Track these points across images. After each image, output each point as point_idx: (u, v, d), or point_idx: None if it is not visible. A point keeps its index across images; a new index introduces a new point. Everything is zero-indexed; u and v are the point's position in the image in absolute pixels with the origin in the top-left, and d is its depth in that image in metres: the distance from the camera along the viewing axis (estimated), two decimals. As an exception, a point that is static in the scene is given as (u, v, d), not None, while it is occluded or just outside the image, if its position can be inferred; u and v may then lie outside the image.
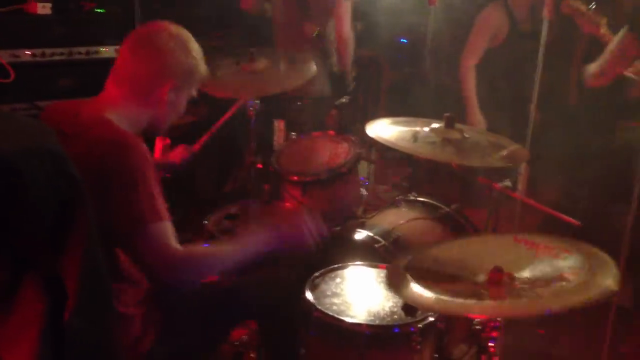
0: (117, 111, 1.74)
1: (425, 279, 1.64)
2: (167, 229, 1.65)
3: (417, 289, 1.61)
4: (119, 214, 1.58)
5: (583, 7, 2.87)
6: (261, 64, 2.90)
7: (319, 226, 1.89)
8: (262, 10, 3.75)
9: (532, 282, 1.57)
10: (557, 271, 1.59)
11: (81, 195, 1.16)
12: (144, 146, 1.67)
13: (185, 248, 1.68)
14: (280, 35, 3.67)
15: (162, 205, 1.65)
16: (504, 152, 2.31)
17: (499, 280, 1.57)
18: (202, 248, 1.85)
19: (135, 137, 1.69)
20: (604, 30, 2.84)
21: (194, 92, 1.89)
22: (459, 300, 1.53)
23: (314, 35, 3.47)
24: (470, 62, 3.72)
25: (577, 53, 3.94)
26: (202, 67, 1.86)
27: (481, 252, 1.78)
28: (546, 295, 1.51)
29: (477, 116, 3.70)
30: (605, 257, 1.61)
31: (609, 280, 1.50)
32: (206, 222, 2.56)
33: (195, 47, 1.83)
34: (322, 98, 3.51)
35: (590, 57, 3.51)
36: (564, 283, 1.53)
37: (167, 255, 1.62)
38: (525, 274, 1.61)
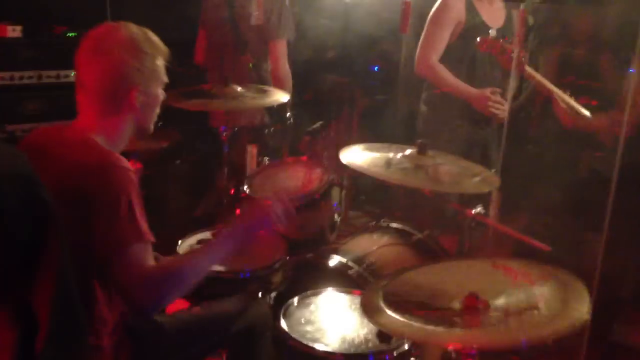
0: (100, 130, 1.72)
1: (400, 304, 1.63)
2: (147, 249, 1.62)
3: (390, 315, 1.59)
4: (102, 235, 1.56)
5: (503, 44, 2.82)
6: (233, 89, 2.93)
7: (285, 204, 1.86)
8: None
9: (506, 311, 1.56)
10: (531, 299, 1.58)
11: (53, 221, 1.13)
12: (127, 165, 1.65)
13: (158, 264, 1.66)
14: (215, 67, 3.60)
15: (144, 225, 1.63)
16: (477, 179, 2.32)
17: (474, 307, 1.57)
18: (174, 260, 1.81)
19: (119, 157, 1.66)
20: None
21: (164, 80, 1.83)
22: (431, 328, 1.52)
23: (250, 66, 3.47)
24: (433, 57, 3.14)
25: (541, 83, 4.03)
26: (159, 58, 1.78)
27: (459, 277, 1.77)
28: (517, 325, 1.50)
29: (484, 92, 3.09)
30: (580, 286, 1.61)
31: (580, 310, 1.49)
32: (178, 247, 2.53)
33: (147, 45, 1.75)
34: (262, 126, 3.51)
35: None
36: (536, 312, 1.52)
37: (142, 275, 1.59)
38: (500, 301, 1.60)
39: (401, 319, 1.57)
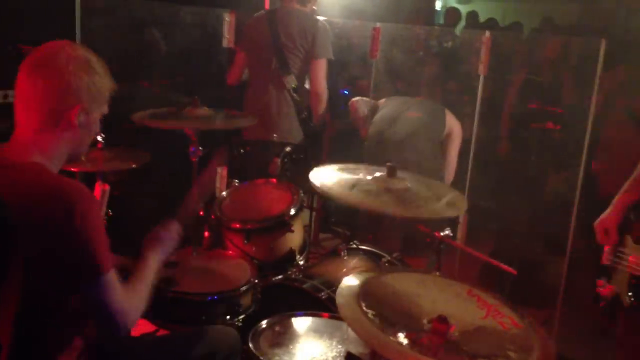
0: (40, 150, 1.66)
1: (373, 304, 1.63)
2: (115, 276, 1.60)
3: (359, 309, 1.59)
4: (73, 266, 1.52)
5: None
6: (203, 111, 2.91)
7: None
8: (242, 80, 3.90)
9: (475, 349, 1.52)
10: (501, 346, 1.55)
11: (16, 246, 1.11)
12: (86, 190, 1.60)
13: (126, 286, 1.65)
14: (256, 89, 3.75)
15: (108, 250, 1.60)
16: (444, 201, 2.34)
17: (442, 332, 1.56)
18: (135, 281, 1.78)
19: (76, 182, 1.61)
20: None
21: (105, 109, 1.79)
22: (394, 341, 1.50)
23: (291, 87, 3.62)
24: None
25: (508, 108, 4.12)
26: (108, 83, 1.76)
27: (435, 294, 1.77)
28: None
29: None
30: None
31: None
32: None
33: (96, 65, 1.72)
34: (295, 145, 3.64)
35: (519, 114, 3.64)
36: None
37: (118, 301, 1.58)
38: (470, 335, 1.58)
39: (369, 318, 1.56)
